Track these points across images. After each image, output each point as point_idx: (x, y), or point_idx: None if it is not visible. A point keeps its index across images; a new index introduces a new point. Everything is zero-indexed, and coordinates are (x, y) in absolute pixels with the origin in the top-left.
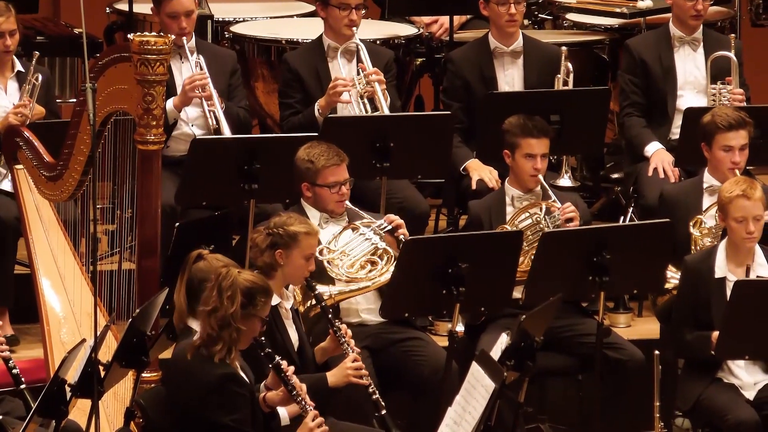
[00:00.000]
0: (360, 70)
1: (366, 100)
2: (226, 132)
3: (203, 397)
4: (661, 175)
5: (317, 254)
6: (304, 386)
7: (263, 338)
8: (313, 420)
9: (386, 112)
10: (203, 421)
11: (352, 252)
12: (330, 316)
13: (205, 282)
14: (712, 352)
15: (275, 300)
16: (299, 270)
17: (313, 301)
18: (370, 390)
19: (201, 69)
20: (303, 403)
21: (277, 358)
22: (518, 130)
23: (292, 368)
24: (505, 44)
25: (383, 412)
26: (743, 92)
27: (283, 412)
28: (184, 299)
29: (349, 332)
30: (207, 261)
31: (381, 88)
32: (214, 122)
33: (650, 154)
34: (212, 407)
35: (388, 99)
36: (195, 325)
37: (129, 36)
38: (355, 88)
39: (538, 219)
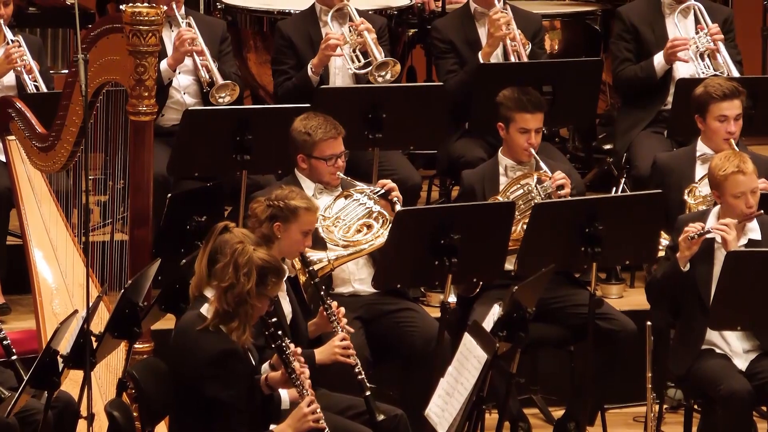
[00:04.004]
0: (351, 28)
1: (359, 53)
2: (219, 80)
3: (202, 369)
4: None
5: None
6: (306, 371)
7: (274, 318)
8: (309, 406)
9: (379, 59)
10: (199, 392)
11: (347, 217)
12: (322, 293)
13: None
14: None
15: None
16: (296, 245)
17: (314, 268)
18: (356, 370)
19: (189, 26)
20: (301, 387)
21: (286, 340)
22: (512, 104)
23: (299, 349)
24: (486, 7)
25: (367, 393)
26: (717, 25)
27: (285, 395)
28: (205, 268)
29: (342, 310)
30: (233, 233)
31: (372, 38)
32: (207, 75)
33: (658, 61)
34: (210, 380)
35: (381, 49)
36: (210, 293)
37: (121, 7)
38: (347, 44)
39: (530, 189)
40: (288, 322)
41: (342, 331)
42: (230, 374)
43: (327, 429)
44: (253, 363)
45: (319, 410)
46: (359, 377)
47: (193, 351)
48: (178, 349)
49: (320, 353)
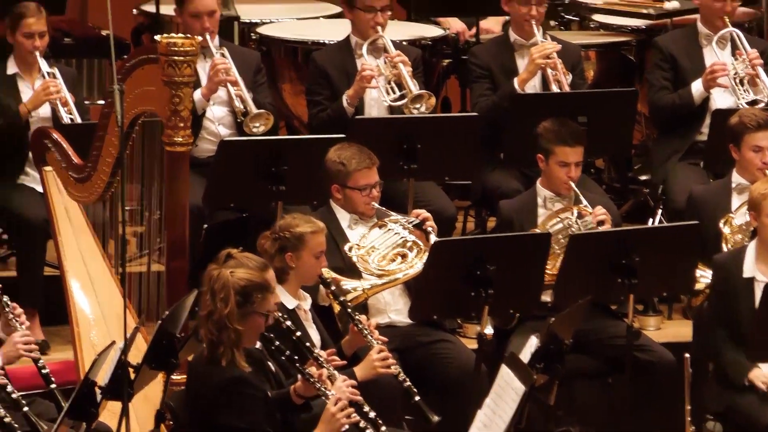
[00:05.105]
0: (386, 60)
1: (393, 85)
2: (253, 110)
3: (214, 402)
4: None
5: (347, 251)
6: (324, 371)
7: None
8: (335, 404)
9: (414, 91)
10: (216, 424)
11: (381, 246)
12: (349, 311)
13: None
14: (745, 383)
15: (292, 303)
16: (311, 269)
17: (348, 298)
18: (401, 378)
19: (223, 57)
20: (323, 389)
21: (313, 356)
22: (553, 136)
23: (323, 354)
24: (525, 38)
25: (417, 398)
26: (756, 51)
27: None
28: None
29: (372, 323)
30: (237, 260)
31: (407, 70)
32: (241, 105)
33: (696, 88)
34: (224, 411)
35: (415, 81)
36: None
37: (156, 37)
38: (382, 75)
39: (570, 224)
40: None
41: (377, 342)
42: (242, 401)
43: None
44: (274, 382)
45: (347, 406)
46: (405, 384)
47: (203, 386)
48: (192, 387)
49: (360, 370)
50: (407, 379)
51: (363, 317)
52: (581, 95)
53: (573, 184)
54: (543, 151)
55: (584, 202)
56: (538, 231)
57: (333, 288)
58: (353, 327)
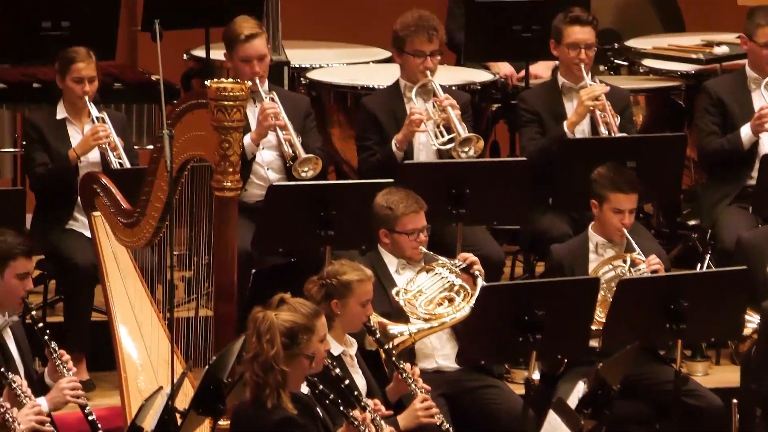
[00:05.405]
0: (435, 104)
1: (442, 128)
2: (302, 154)
3: None
4: None
5: (395, 296)
6: (368, 415)
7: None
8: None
9: (463, 134)
10: None
11: (428, 290)
12: (394, 358)
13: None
14: None
15: (338, 349)
16: (357, 317)
17: (394, 342)
18: (444, 428)
19: (272, 101)
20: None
21: (360, 404)
22: (607, 183)
23: (370, 403)
24: (574, 82)
25: None
26: None
27: None
28: None
29: (416, 371)
30: (290, 305)
31: (455, 113)
32: (290, 150)
33: (746, 133)
34: None
35: (464, 125)
36: None
37: (206, 82)
38: (431, 119)
39: (623, 272)
40: (364, 396)
41: (421, 391)
42: None
43: None
44: (322, 428)
45: None
46: None
47: (249, 427)
48: (235, 430)
49: (404, 419)
50: (450, 429)
51: (407, 365)
52: (630, 140)
53: (626, 231)
54: (597, 196)
55: (637, 249)
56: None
57: (378, 335)
58: (397, 375)
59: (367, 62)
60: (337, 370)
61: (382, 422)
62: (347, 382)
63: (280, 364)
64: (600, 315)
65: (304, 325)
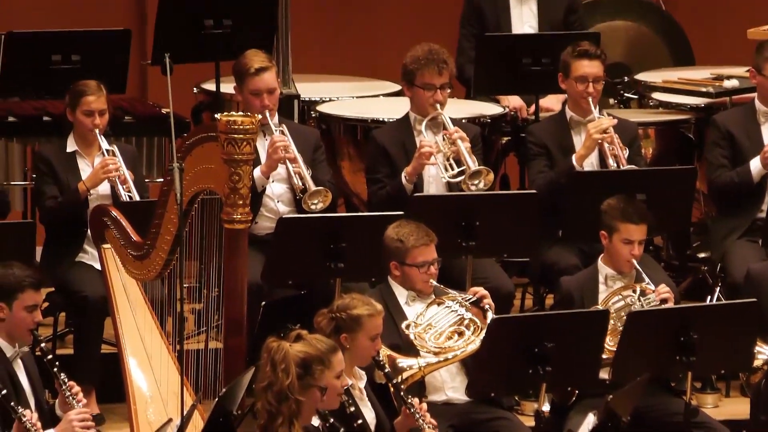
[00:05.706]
0: (445, 136)
1: (452, 162)
2: (312, 187)
3: None
4: None
5: (404, 329)
6: None
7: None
8: None
9: (473, 167)
10: None
11: (438, 324)
12: (402, 393)
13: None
14: None
15: (346, 382)
16: (366, 351)
17: (404, 376)
18: None
19: (282, 134)
20: None
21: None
22: (618, 213)
23: None
24: (582, 115)
25: None
26: None
27: None
28: None
29: (424, 406)
30: (306, 341)
31: (465, 146)
32: (300, 182)
33: (755, 166)
34: None
35: (474, 158)
36: None
37: (216, 115)
38: (441, 152)
39: (633, 301)
40: (372, 430)
41: (429, 426)
42: None
43: None
44: None
45: None
46: None
47: None
48: None
49: None
50: None
51: (416, 400)
52: (640, 173)
53: (635, 263)
54: (607, 227)
55: (646, 279)
56: (598, 308)
57: (387, 369)
58: (405, 409)
59: (377, 95)
60: (353, 408)
61: None
62: (360, 421)
63: (295, 393)
64: (610, 344)
65: (318, 356)
